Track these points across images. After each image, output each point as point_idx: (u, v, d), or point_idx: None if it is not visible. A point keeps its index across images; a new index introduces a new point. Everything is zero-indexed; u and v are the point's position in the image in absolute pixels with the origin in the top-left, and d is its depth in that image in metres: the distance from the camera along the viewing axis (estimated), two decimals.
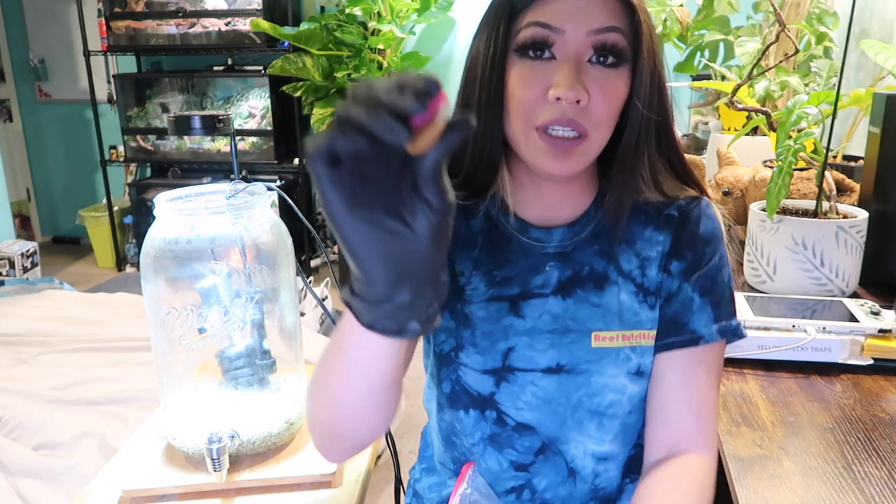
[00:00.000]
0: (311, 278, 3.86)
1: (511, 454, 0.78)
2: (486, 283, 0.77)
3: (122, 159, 4.20)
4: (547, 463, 0.78)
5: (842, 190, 1.42)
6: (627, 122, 0.71)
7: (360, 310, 0.53)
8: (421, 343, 0.85)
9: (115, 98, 4.25)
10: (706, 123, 2.52)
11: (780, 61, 1.49)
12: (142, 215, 4.07)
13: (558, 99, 0.65)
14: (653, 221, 0.77)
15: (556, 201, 0.77)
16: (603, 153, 0.75)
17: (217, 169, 4.10)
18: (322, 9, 3.88)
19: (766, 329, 1.04)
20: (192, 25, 3.76)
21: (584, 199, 0.78)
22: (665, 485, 0.72)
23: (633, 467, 0.81)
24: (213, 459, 0.90)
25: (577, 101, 0.65)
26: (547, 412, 0.76)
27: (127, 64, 4.32)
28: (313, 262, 4.14)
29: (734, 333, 0.76)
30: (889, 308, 1.08)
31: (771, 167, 1.51)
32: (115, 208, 4.17)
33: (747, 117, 1.67)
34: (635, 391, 0.76)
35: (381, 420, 0.64)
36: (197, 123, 0.94)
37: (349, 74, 3.49)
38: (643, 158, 0.72)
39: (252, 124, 3.87)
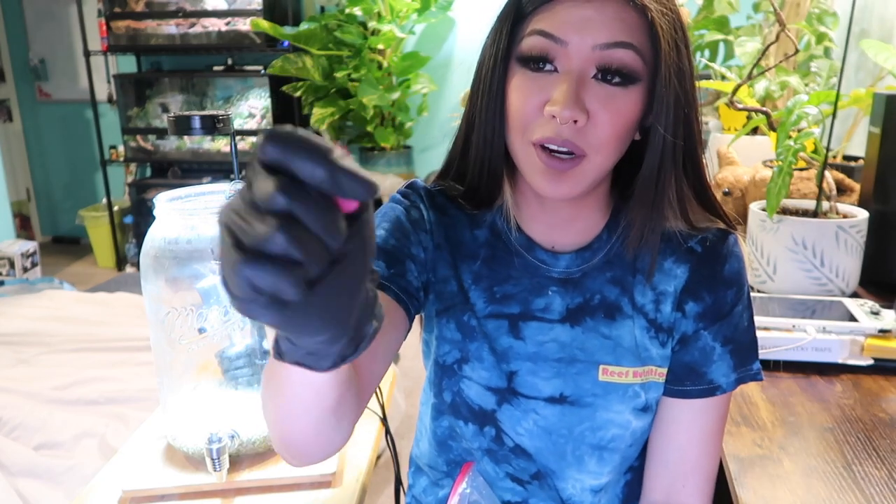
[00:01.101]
0: None
1: (507, 468, 0.77)
2: (485, 298, 0.74)
3: (122, 159, 4.20)
4: (542, 491, 0.77)
5: (842, 190, 1.42)
6: (648, 147, 0.65)
7: (282, 350, 0.42)
8: (418, 345, 0.85)
9: (115, 98, 4.25)
10: (706, 123, 2.52)
11: (780, 61, 1.49)
12: (142, 215, 4.07)
13: (554, 116, 0.61)
14: (674, 253, 0.73)
15: (562, 220, 0.73)
16: (619, 171, 0.72)
17: (217, 169, 4.10)
18: (322, 9, 3.88)
19: (766, 329, 1.04)
20: (192, 25, 3.76)
21: (595, 220, 0.74)
22: None
23: (632, 495, 0.80)
24: (213, 459, 0.90)
25: (574, 121, 0.61)
26: (547, 442, 0.74)
27: (127, 64, 4.32)
28: None
29: (753, 378, 0.74)
30: (889, 308, 1.08)
31: (771, 167, 1.51)
32: (115, 208, 4.17)
33: (747, 117, 1.67)
34: (639, 426, 0.74)
35: (329, 441, 0.57)
36: (197, 123, 0.93)
37: (349, 74, 3.49)
38: (667, 188, 0.66)
39: (252, 124, 3.87)
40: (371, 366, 0.62)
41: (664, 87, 0.62)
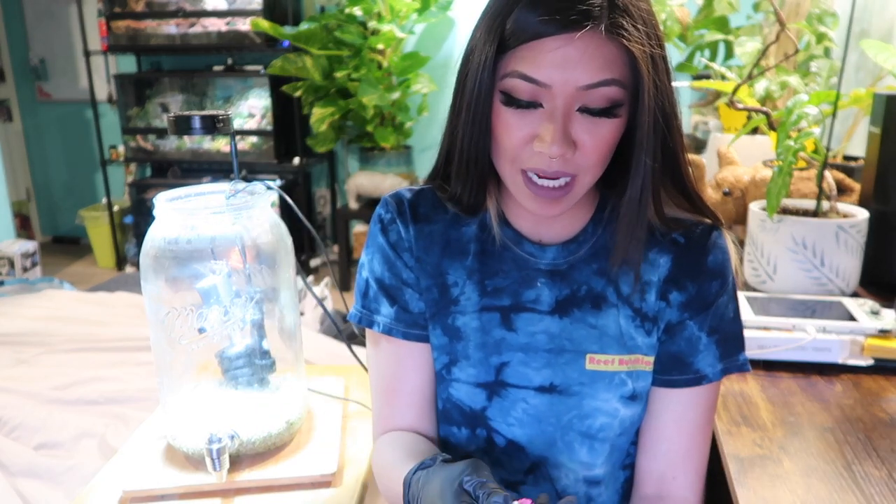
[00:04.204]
0: (311, 278, 3.86)
1: (501, 472, 0.78)
2: (478, 292, 0.76)
3: (122, 159, 4.20)
4: (537, 486, 0.78)
5: (842, 190, 1.42)
6: (632, 171, 0.66)
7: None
8: None
9: (115, 98, 4.25)
10: (706, 123, 2.52)
11: (780, 61, 1.49)
12: (142, 215, 4.07)
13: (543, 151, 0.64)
14: (657, 244, 0.74)
15: (549, 216, 0.73)
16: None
17: (217, 169, 4.10)
18: (322, 9, 3.88)
19: (766, 329, 1.04)
20: (192, 25, 3.76)
21: (581, 214, 0.76)
22: None
23: (630, 490, 0.80)
24: (213, 459, 0.90)
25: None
26: (537, 430, 0.75)
27: (127, 64, 4.32)
28: (313, 262, 4.14)
29: (739, 369, 0.75)
30: (889, 308, 1.08)
31: (771, 167, 1.51)
32: (115, 208, 4.17)
33: (747, 117, 1.67)
34: (627, 415, 0.75)
35: None
36: (197, 123, 0.93)
37: (349, 74, 3.49)
38: (650, 206, 0.68)
39: (252, 124, 3.87)
40: (433, 417, 0.80)
41: (646, 115, 0.63)
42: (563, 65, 0.60)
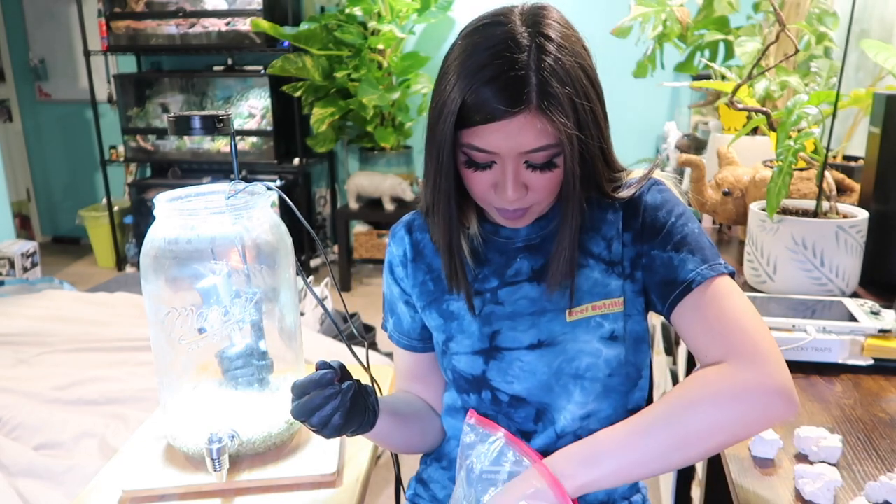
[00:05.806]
0: (311, 278, 3.86)
1: (513, 424, 0.85)
2: (468, 280, 0.85)
3: (122, 159, 4.20)
4: (543, 431, 0.84)
5: (842, 190, 1.42)
6: (561, 195, 0.78)
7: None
8: None
9: (115, 98, 4.25)
10: (706, 123, 2.52)
11: (780, 61, 1.49)
12: (142, 215, 4.07)
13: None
14: (610, 206, 0.84)
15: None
16: None
17: (217, 169, 4.10)
18: (322, 9, 3.88)
19: None
20: (192, 25, 3.76)
21: None
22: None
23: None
24: (213, 459, 0.90)
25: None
26: (534, 382, 0.83)
27: (127, 64, 4.32)
28: (313, 262, 4.14)
29: (726, 268, 0.78)
30: (889, 308, 1.08)
31: (771, 167, 1.51)
32: (115, 208, 4.17)
33: (747, 117, 1.67)
34: (612, 354, 0.82)
35: (424, 443, 0.95)
36: (197, 123, 0.94)
37: (349, 74, 3.49)
38: (580, 215, 0.78)
39: (252, 124, 3.87)
40: (437, 396, 0.96)
41: (570, 171, 0.74)
42: (506, 137, 0.73)
